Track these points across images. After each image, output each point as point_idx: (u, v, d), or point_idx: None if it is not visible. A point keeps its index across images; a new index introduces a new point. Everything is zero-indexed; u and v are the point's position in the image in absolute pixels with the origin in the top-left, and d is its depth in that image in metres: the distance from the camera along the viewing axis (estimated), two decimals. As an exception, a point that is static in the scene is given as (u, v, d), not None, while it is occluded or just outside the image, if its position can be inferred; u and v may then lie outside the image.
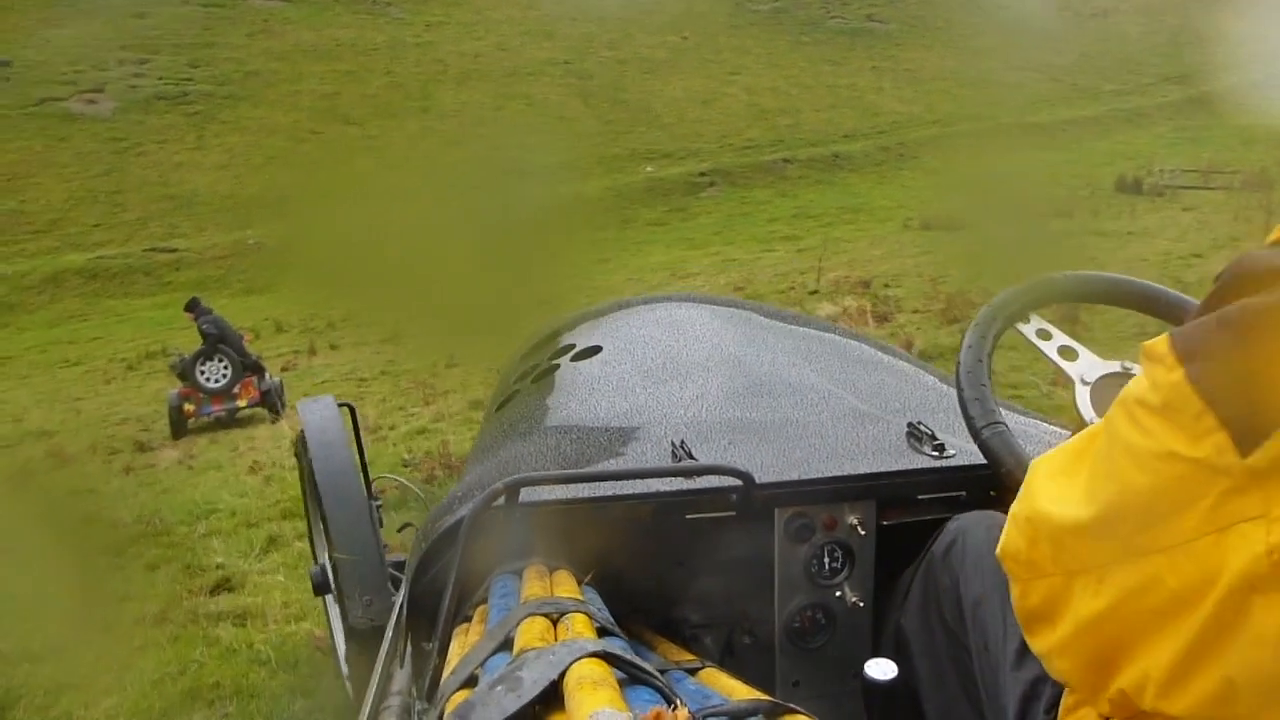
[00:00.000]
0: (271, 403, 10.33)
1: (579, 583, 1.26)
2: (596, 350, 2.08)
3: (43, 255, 23.67)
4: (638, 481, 1.41)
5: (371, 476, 2.63)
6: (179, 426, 9.94)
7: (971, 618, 1.21)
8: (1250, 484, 0.67)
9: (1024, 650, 1.06)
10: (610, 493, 1.40)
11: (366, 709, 1.37)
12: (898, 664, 1.22)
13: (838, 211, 23.73)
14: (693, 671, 1.17)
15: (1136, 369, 1.23)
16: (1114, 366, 1.35)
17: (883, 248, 16.20)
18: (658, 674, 0.89)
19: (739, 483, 1.38)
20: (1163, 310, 1.40)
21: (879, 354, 2.07)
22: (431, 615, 1.31)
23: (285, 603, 3.94)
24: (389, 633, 1.61)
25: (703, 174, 27.71)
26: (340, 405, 2.45)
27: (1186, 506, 0.69)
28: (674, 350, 2.00)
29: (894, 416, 1.65)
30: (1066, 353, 1.38)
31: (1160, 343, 0.74)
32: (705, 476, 1.42)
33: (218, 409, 10.26)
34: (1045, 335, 1.41)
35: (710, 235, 22.90)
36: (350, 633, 2.11)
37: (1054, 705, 0.97)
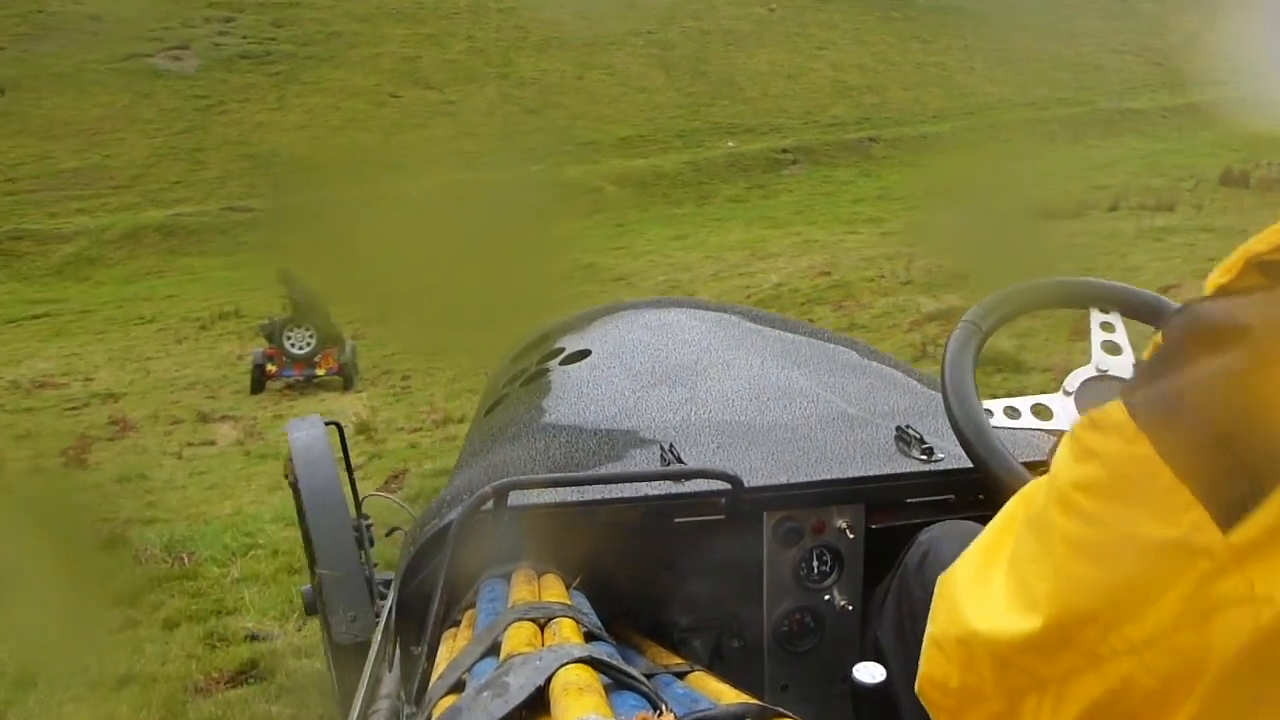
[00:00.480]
0: (347, 374, 10.99)
1: (567, 587, 1.28)
2: (585, 354, 2.07)
3: (123, 210, 23.78)
4: (626, 485, 1.42)
5: (361, 496, 2.66)
6: (259, 383, 10.92)
7: None
8: (1233, 562, 0.61)
9: None
10: (599, 496, 1.41)
11: (355, 712, 1.37)
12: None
13: (924, 195, 22.95)
14: (681, 675, 1.18)
15: (1110, 368, 1.24)
16: (1089, 371, 1.33)
17: (975, 237, 15.53)
18: (644, 679, 0.90)
19: (728, 486, 1.38)
20: (1141, 314, 1.38)
21: (867, 358, 2.07)
22: (420, 619, 1.32)
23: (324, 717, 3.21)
24: (377, 636, 1.61)
25: (785, 151, 26.99)
26: (328, 424, 2.47)
27: (1159, 595, 0.63)
28: (663, 354, 2.00)
29: (883, 420, 1.65)
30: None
31: (1113, 412, 0.67)
32: (694, 480, 1.42)
33: (297, 373, 10.98)
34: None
35: (791, 214, 22.16)
36: (335, 649, 2.12)
37: None
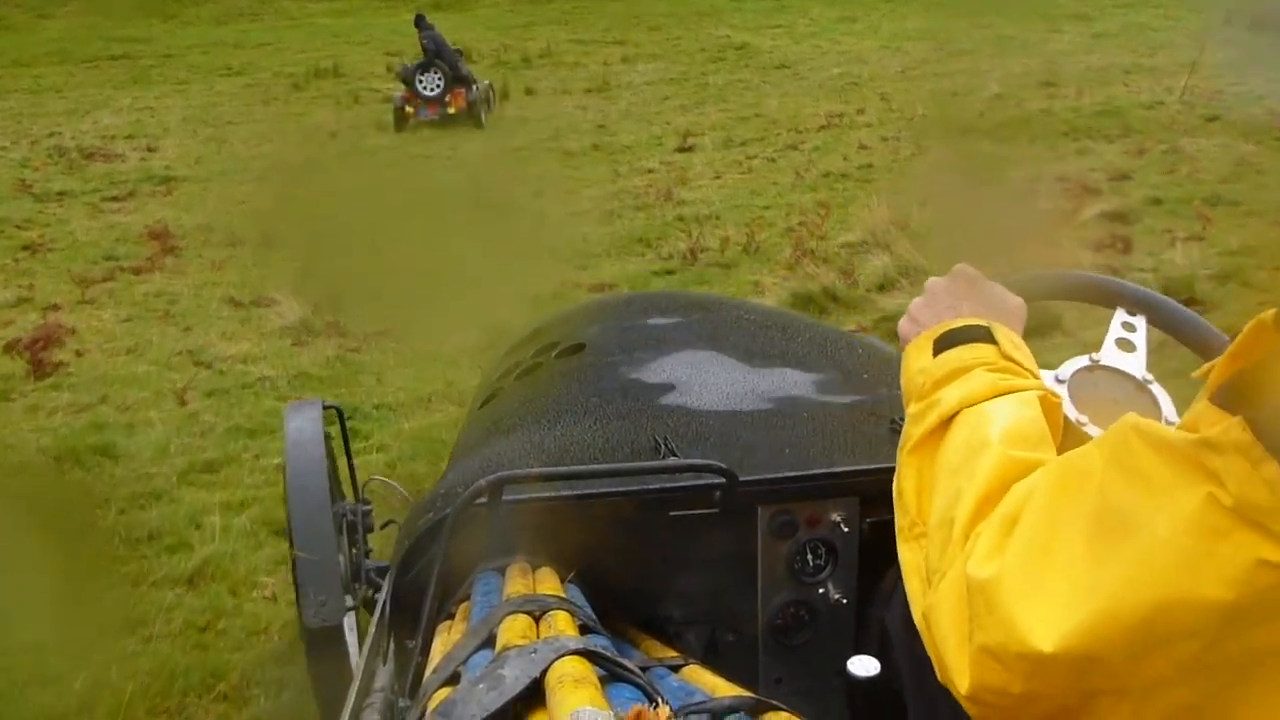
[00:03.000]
0: (475, 112, 11.79)
1: (562, 580, 1.29)
2: (580, 348, 2.07)
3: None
4: (621, 479, 1.43)
5: (361, 480, 2.63)
6: (400, 123, 11.75)
7: None
8: None
9: None
10: (593, 490, 1.42)
11: (349, 706, 1.37)
12: (881, 660, 1.25)
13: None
14: (675, 669, 1.18)
15: (1101, 359, 1.21)
16: (1082, 361, 1.27)
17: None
18: (639, 671, 0.91)
19: (722, 480, 1.39)
20: (1177, 332, 1.33)
21: (862, 350, 2.06)
22: (415, 612, 1.33)
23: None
24: (372, 629, 1.59)
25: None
26: (328, 408, 2.45)
27: (1270, 618, 0.63)
28: (657, 348, 1.98)
29: (877, 413, 1.64)
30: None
31: (1234, 432, 0.63)
32: (688, 474, 1.43)
33: (431, 113, 11.79)
34: None
35: (974, 3, 19.04)
36: (304, 632, 2.08)
37: None
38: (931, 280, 1.11)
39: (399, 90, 12.07)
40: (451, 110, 11.80)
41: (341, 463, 2.66)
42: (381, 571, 2.20)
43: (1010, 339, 1.02)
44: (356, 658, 2.10)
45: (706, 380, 1.79)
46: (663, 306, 2.31)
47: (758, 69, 14.55)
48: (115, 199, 9.12)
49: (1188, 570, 0.64)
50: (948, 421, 0.94)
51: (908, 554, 0.93)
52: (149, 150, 10.68)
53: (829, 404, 1.69)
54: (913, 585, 0.91)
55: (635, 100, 12.66)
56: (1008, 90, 11.34)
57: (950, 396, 0.95)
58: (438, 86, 11.79)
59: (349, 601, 2.15)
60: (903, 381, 1.05)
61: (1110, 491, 0.70)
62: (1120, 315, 1.29)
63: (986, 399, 0.93)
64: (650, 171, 9.38)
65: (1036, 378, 1.00)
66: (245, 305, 6.18)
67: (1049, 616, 0.70)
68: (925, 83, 12.58)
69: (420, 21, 12.48)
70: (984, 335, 1.00)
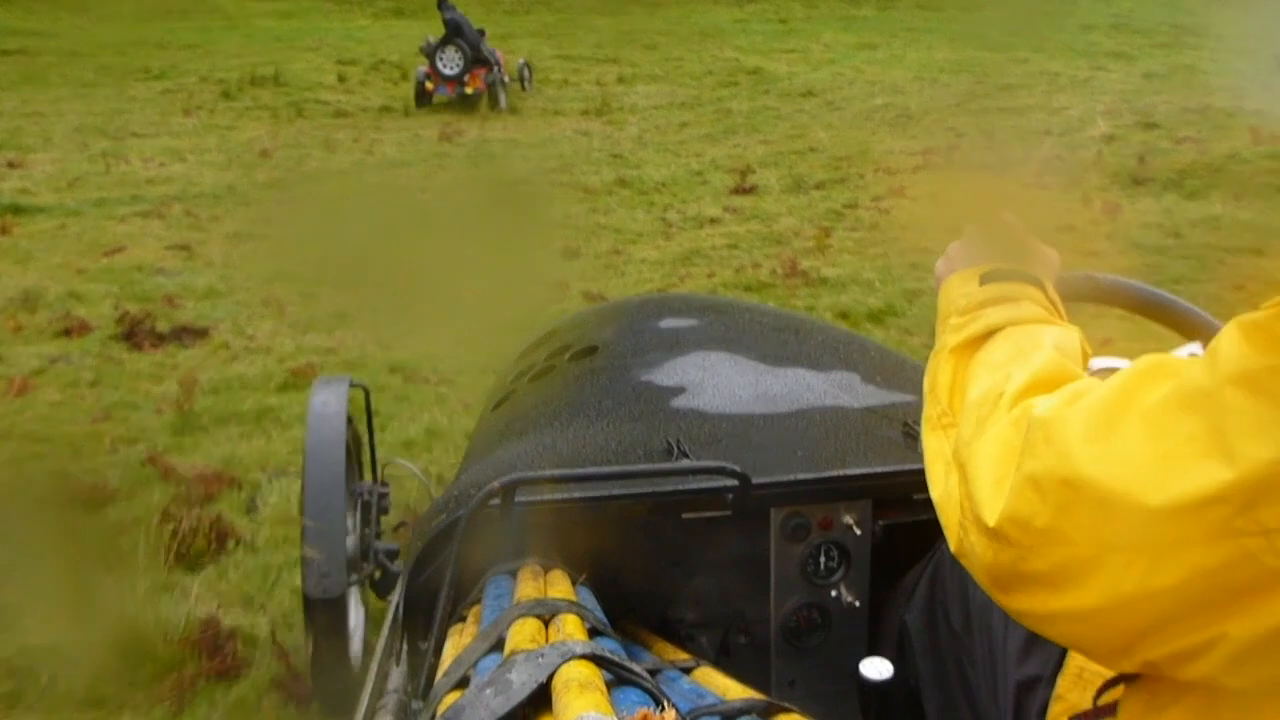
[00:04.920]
0: (493, 94, 11.63)
1: (574, 582, 1.29)
2: (593, 350, 2.06)
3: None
4: (633, 481, 1.42)
5: (381, 462, 2.62)
6: (420, 98, 11.57)
7: (978, 621, 1.22)
8: None
9: (1024, 653, 1.10)
10: (606, 492, 1.41)
11: (363, 706, 1.38)
12: (898, 660, 1.26)
13: (1171, 31, 17.75)
14: (688, 671, 1.18)
15: (1111, 364, 1.22)
16: (1106, 362, 1.29)
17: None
18: (647, 675, 0.91)
19: (735, 482, 1.38)
20: (1168, 320, 1.32)
21: (875, 353, 2.06)
22: (427, 614, 1.32)
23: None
24: (385, 630, 1.61)
25: (986, -49, 21.27)
26: (354, 386, 2.43)
27: None
28: (670, 350, 1.97)
29: (890, 416, 1.64)
30: None
31: None
32: (701, 476, 1.43)
33: (450, 92, 11.58)
34: None
35: (1005, 34, 17.33)
36: (305, 600, 2.10)
37: (1047, 706, 1.01)
38: (972, 225, 1.10)
39: (421, 65, 11.87)
40: (469, 90, 11.61)
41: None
42: (391, 554, 2.28)
43: (1050, 289, 1.03)
44: (354, 635, 2.22)
45: (719, 383, 1.78)
46: (676, 309, 2.30)
47: (779, 95, 12.50)
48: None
49: (1259, 431, 0.64)
50: (992, 333, 0.96)
51: (933, 441, 0.96)
52: (9, 166, 8.03)
53: (842, 406, 1.68)
54: (935, 469, 0.95)
55: (647, 126, 10.51)
56: (1117, 132, 9.36)
57: (997, 314, 0.97)
58: (457, 65, 11.59)
59: (353, 578, 2.16)
60: (940, 304, 1.05)
61: (1191, 374, 0.70)
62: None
63: (1033, 323, 0.96)
64: (714, 221, 7.12)
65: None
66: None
67: (1107, 454, 0.71)
68: (997, 119, 10.56)
69: (441, 2, 12.15)
70: (1030, 279, 1.02)
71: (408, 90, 11.86)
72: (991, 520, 0.77)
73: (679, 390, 1.75)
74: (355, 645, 2.24)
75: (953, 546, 0.86)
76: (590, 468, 1.46)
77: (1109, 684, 0.91)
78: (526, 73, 12.50)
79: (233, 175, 7.57)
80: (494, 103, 11.59)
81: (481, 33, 12.16)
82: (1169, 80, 12.51)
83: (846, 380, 1.81)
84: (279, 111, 10.94)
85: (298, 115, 10.78)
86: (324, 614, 2.05)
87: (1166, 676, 0.73)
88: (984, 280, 1.01)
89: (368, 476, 2.57)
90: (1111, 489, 0.69)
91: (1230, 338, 0.68)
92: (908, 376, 1.91)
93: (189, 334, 4.77)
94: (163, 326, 4.79)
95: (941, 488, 0.91)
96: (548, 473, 1.43)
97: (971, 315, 0.98)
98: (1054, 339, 0.92)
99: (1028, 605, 0.78)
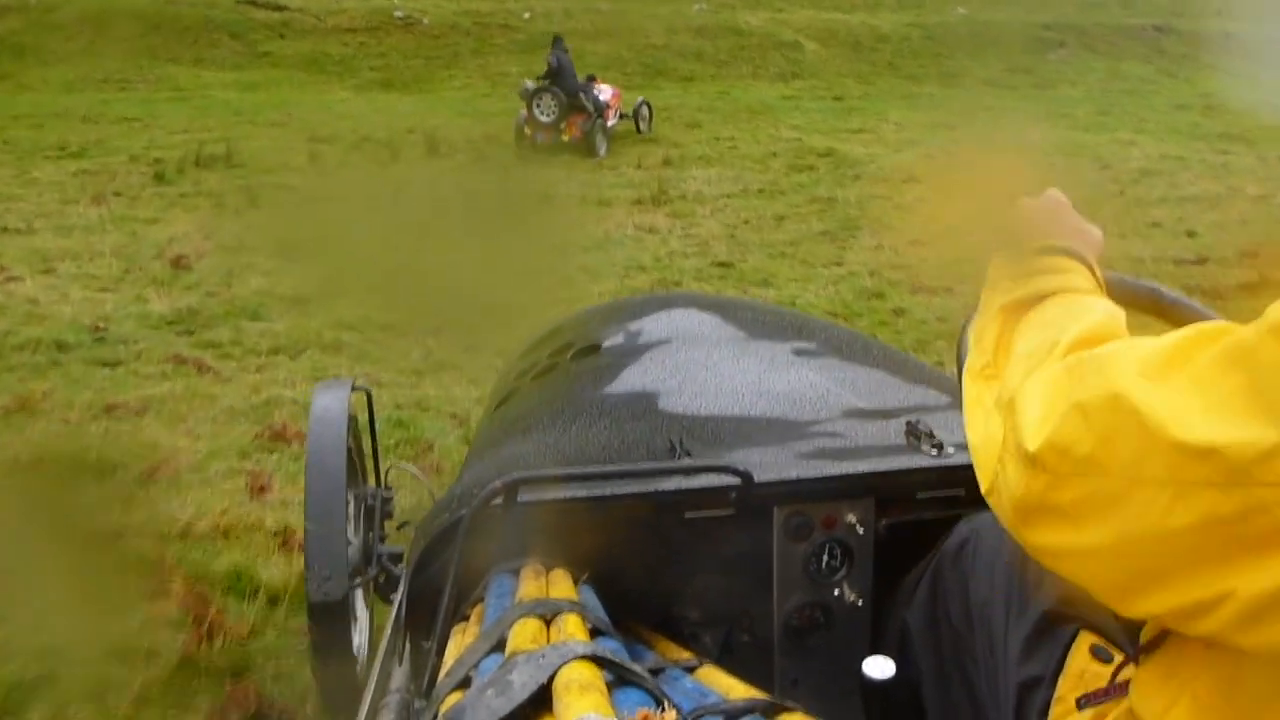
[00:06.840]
0: (591, 142, 11.36)
1: (575, 582, 1.28)
2: (596, 349, 2.06)
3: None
4: (636, 480, 1.42)
5: (384, 465, 2.59)
6: (520, 141, 11.52)
7: (979, 619, 1.21)
8: None
9: (1025, 654, 1.10)
10: (609, 491, 1.40)
11: (365, 705, 1.36)
12: (900, 659, 1.25)
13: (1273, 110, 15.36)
14: (691, 670, 1.18)
15: None
16: None
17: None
18: (648, 675, 0.91)
19: (737, 481, 1.38)
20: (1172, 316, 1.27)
21: (878, 351, 2.03)
22: (430, 613, 1.32)
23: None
24: (388, 629, 1.59)
25: (1047, 28, 18.94)
26: (357, 389, 2.41)
27: None
28: (672, 349, 1.96)
29: (893, 414, 1.63)
30: None
31: None
32: (704, 475, 1.42)
33: (545, 138, 11.42)
34: None
35: (1094, 115, 15.12)
36: (308, 604, 2.09)
37: (1048, 706, 1.02)
38: (1022, 201, 1.10)
39: (522, 110, 11.71)
40: (565, 138, 11.41)
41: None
42: (395, 557, 2.25)
43: (1098, 270, 1.04)
44: (360, 639, 2.23)
45: (722, 382, 1.77)
46: (678, 307, 2.29)
47: (873, 181, 9.70)
48: None
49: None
50: (1044, 298, 0.97)
51: (974, 389, 0.97)
52: None
53: (845, 405, 1.67)
54: (975, 415, 0.94)
55: (730, 220, 7.73)
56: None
57: (1050, 281, 0.98)
58: (552, 113, 11.42)
59: (356, 581, 2.16)
60: (991, 272, 1.05)
61: (1242, 332, 0.70)
62: None
63: (1084, 293, 0.97)
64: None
65: None
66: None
67: (1156, 390, 0.71)
68: (1187, 210, 8.05)
69: (557, 42, 12.06)
70: (1082, 258, 1.03)
71: (400, 173, 9.13)
72: (1034, 445, 0.78)
73: (682, 389, 1.75)
74: (360, 648, 2.23)
75: (984, 487, 0.87)
76: (593, 467, 1.46)
77: (1122, 664, 0.94)
78: (646, 111, 12.31)
79: (107, 308, 4.67)
80: (592, 150, 11.29)
81: (591, 79, 12.01)
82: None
83: (850, 379, 1.80)
84: (225, 199, 8.23)
85: (249, 204, 7.96)
86: (326, 616, 2.03)
87: (1180, 653, 0.75)
88: (1037, 252, 1.01)
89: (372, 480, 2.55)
90: (1155, 419, 0.70)
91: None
92: (911, 375, 1.90)
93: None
94: None
95: (981, 431, 0.91)
96: (550, 472, 1.44)
97: (1024, 279, 0.99)
98: (1106, 308, 0.93)
99: (1047, 540, 0.79)
